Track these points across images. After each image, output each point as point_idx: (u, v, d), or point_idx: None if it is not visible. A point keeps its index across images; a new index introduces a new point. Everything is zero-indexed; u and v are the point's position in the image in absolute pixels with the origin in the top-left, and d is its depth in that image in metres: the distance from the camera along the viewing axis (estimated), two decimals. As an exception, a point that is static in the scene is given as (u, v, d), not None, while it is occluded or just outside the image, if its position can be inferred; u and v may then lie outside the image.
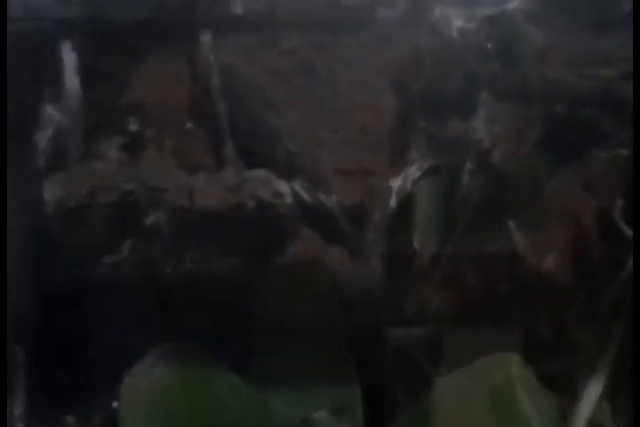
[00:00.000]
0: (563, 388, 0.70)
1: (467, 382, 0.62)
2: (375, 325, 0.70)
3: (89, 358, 0.64)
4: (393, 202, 0.73)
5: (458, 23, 0.76)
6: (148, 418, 0.58)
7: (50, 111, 0.68)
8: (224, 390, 0.60)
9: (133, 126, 0.71)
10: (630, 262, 0.70)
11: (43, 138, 0.67)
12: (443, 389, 0.62)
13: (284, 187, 0.70)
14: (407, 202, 0.74)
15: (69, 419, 0.64)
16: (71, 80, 0.70)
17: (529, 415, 0.61)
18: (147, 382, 0.58)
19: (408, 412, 0.64)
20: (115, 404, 0.61)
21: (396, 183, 0.73)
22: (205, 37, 0.73)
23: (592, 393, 0.69)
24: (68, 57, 0.71)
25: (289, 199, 0.69)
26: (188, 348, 0.60)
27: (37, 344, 0.63)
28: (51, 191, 0.64)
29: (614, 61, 0.75)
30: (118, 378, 0.59)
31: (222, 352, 0.61)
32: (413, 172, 0.74)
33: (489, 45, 0.77)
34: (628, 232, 0.72)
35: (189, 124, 0.73)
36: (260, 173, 0.70)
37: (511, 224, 0.74)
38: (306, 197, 0.71)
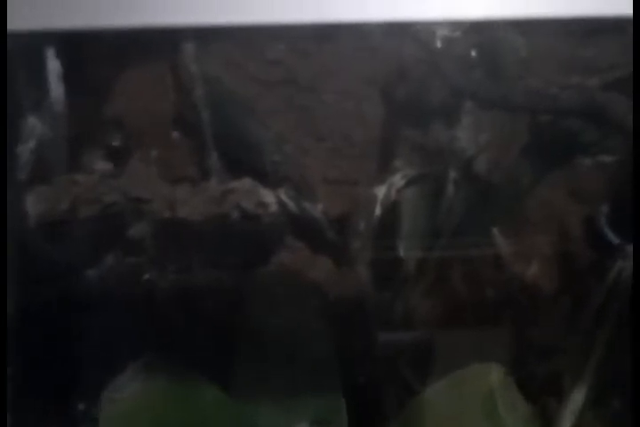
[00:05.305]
0: (547, 394, 0.71)
1: (449, 393, 0.62)
2: (361, 334, 0.70)
3: (72, 370, 0.64)
4: (378, 210, 0.73)
5: (442, 32, 0.76)
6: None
7: (33, 122, 0.67)
8: (206, 401, 0.60)
9: (116, 137, 0.71)
10: (615, 267, 0.71)
11: (25, 150, 0.66)
12: (426, 400, 0.63)
13: (269, 196, 0.70)
14: (392, 210, 0.74)
15: (53, 431, 0.64)
16: (55, 90, 0.70)
17: (511, 425, 0.61)
18: (127, 395, 0.58)
19: (392, 423, 0.64)
20: (97, 416, 0.61)
21: (380, 192, 0.74)
22: (189, 48, 0.72)
23: (577, 399, 0.70)
24: (53, 66, 0.70)
25: (274, 209, 0.69)
26: (170, 360, 0.60)
27: (20, 357, 0.63)
28: (33, 204, 0.64)
29: (598, 70, 0.75)
30: (101, 390, 0.59)
31: (205, 364, 0.61)
32: (398, 180, 0.74)
33: (473, 54, 0.77)
34: (613, 238, 0.73)
35: (173, 135, 0.73)
36: (246, 182, 0.70)
37: (496, 231, 0.74)
38: (291, 206, 0.71)
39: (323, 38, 0.74)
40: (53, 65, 0.70)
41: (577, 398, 0.70)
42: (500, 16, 0.66)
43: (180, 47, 0.72)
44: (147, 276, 0.66)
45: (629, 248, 0.69)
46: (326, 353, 0.65)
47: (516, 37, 0.75)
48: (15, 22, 0.58)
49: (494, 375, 0.61)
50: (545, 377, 0.72)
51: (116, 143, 0.71)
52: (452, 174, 0.75)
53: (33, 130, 0.68)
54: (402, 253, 0.74)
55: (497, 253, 0.74)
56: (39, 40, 0.69)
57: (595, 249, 0.74)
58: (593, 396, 0.70)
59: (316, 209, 0.72)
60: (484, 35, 0.76)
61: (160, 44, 0.72)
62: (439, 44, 0.75)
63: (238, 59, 0.74)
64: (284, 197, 0.71)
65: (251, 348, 0.64)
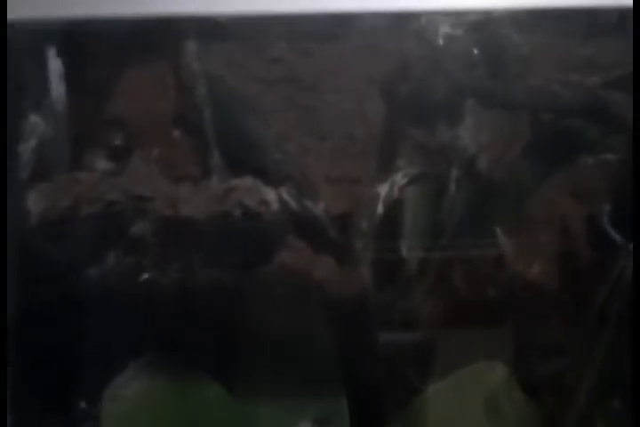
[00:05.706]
0: (549, 393, 0.71)
1: (452, 393, 0.62)
2: (363, 333, 0.70)
3: (73, 369, 0.64)
4: (380, 209, 0.73)
5: (444, 30, 0.76)
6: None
7: (34, 121, 0.67)
8: (208, 400, 0.60)
9: (118, 136, 0.71)
10: (617, 266, 0.70)
11: (26, 148, 0.66)
12: (428, 399, 0.63)
13: (271, 195, 0.70)
14: (394, 209, 0.74)
15: (54, 430, 0.64)
16: (56, 89, 0.70)
17: (513, 424, 0.61)
18: (129, 394, 0.58)
19: (394, 422, 0.64)
20: (99, 414, 0.61)
21: (383, 190, 0.74)
22: (190, 46, 0.72)
23: (578, 398, 0.70)
24: (54, 65, 0.70)
25: (276, 207, 0.69)
26: (170, 359, 0.60)
27: (20, 357, 0.63)
28: (34, 202, 0.64)
29: (600, 68, 0.75)
30: (102, 390, 0.59)
31: (206, 363, 0.61)
32: (400, 179, 0.74)
33: (475, 52, 0.76)
34: (616, 237, 0.73)
35: (175, 134, 0.73)
36: (247, 181, 0.70)
37: (498, 230, 0.74)
38: (293, 204, 0.71)
39: (324, 37, 0.74)
40: (54, 64, 0.70)
41: (578, 398, 0.70)
42: (502, 9, 0.66)
43: (181, 46, 0.72)
44: (148, 275, 0.66)
45: (632, 247, 0.69)
46: (328, 353, 0.65)
47: (518, 35, 0.75)
48: (15, 12, 0.58)
49: (496, 375, 0.61)
50: (547, 376, 0.72)
51: (117, 142, 0.71)
52: (454, 173, 0.74)
53: (34, 128, 0.68)
54: (404, 252, 0.74)
55: (499, 253, 0.74)
56: (40, 39, 0.69)
57: (597, 248, 0.74)
58: (594, 395, 0.70)
59: (318, 207, 0.72)
60: (485, 32, 0.76)
61: (161, 42, 0.72)
62: (441, 42, 0.74)
63: (240, 57, 0.73)
64: (285, 196, 0.70)
65: (252, 347, 0.64)
